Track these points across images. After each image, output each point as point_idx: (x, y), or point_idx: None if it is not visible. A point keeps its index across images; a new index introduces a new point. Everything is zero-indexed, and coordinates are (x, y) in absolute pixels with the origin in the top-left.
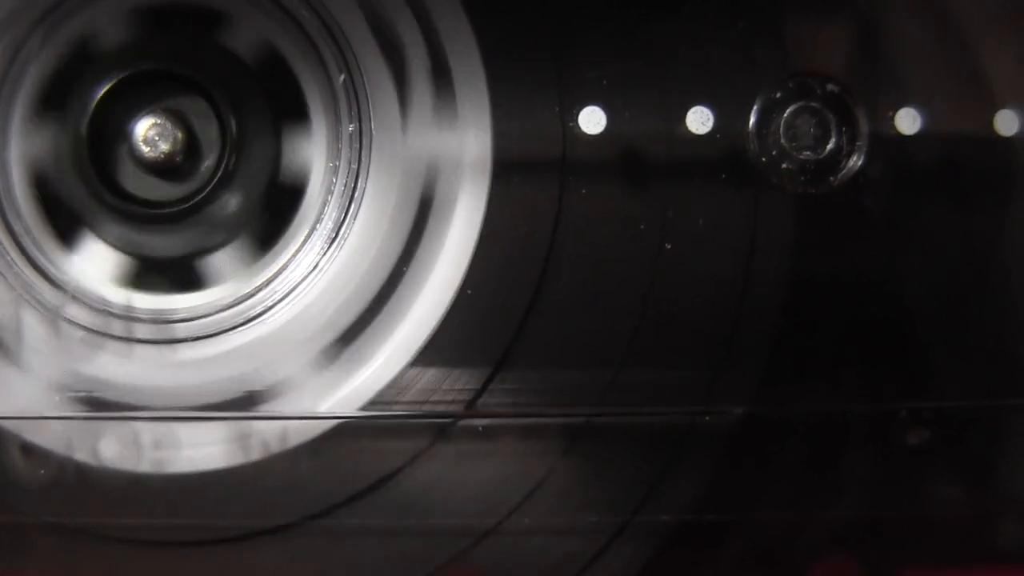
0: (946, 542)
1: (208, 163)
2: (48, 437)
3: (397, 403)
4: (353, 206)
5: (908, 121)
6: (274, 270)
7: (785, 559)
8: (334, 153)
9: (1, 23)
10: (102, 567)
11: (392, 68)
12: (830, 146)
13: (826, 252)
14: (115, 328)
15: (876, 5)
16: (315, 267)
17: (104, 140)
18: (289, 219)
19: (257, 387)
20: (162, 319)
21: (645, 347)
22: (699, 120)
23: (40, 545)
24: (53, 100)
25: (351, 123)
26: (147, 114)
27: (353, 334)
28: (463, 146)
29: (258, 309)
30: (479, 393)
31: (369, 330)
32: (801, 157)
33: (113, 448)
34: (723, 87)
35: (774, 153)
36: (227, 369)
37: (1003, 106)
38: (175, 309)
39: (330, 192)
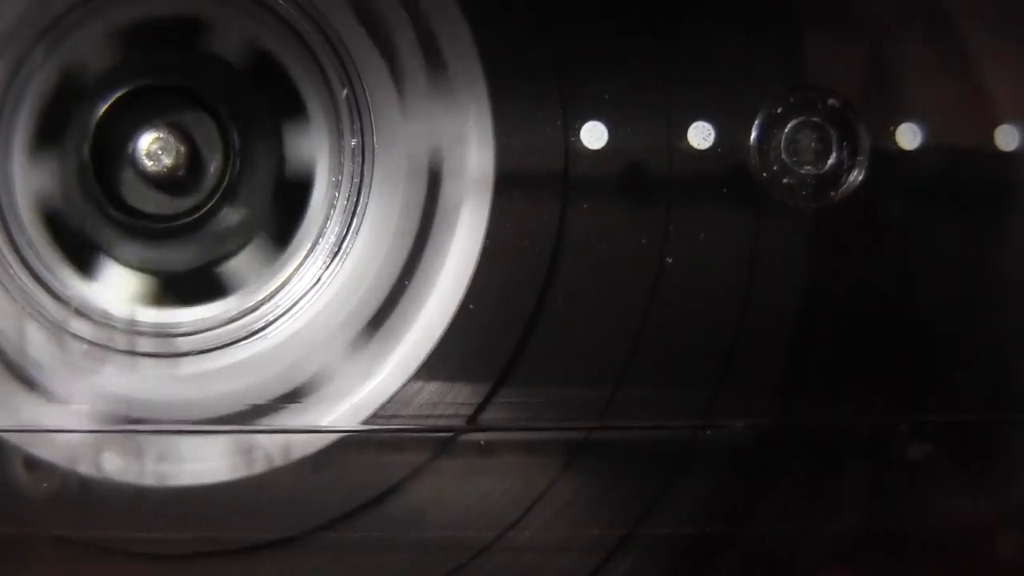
0: (948, 556)
1: (211, 176)
2: (51, 450)
3: (399, 417)
4: (355, 220)
5: (909, 136)
6: (276, 284)
7: (786, 573)
8: (336, 167)
9: (2, 38)
10: None
11: (395, 82)
12: (831, 161)
13: (827, 267)
14: (119, 342)
15: (877, 20)
16: (317, 281)
17: (107, 156)
18: (291, 233)
19: (260, 401)
20: (165, 332)
21: (646, 362)
22: (700, 135)
23: (44, 558)
24: (55, 118)
25: (354, 137)
26: (149, 129)
27: (355, 348)
28: (465, 161)
29: (261, 323)
30: (481, 407)
31: (371, 344)
32: (802, 172)
33: (116, 461)
34: (724, 102)
35: (775, 168)
36: (230, 383)
37: (1003, 121)
38: (178, 323)
39: (332, 206)
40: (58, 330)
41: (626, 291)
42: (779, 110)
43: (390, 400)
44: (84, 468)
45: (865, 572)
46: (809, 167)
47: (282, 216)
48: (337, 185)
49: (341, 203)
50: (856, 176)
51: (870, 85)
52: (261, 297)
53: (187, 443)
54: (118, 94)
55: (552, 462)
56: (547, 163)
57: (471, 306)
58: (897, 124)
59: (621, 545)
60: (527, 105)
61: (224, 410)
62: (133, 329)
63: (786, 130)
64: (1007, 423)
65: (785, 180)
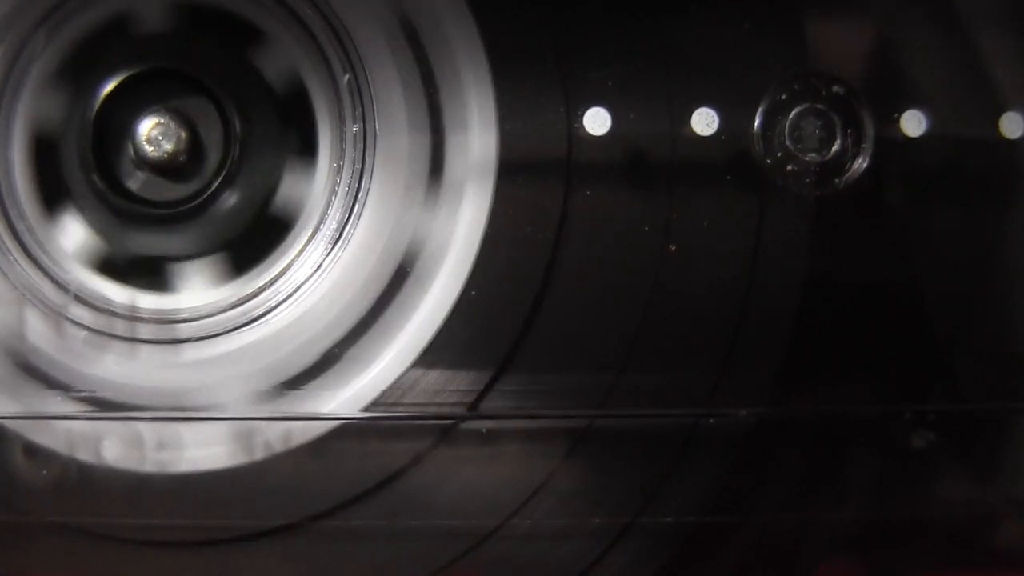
0: (952, 545)
1: (211, 164)
2: (51, 437)
3: (400, 404)
4: (357, 206)
5: (913, 123)
6: (278, 270)
7: (791, 562)
8: (338, 153)
9: (4, 22)
10: (105, 567)
11: (397, 68)
12: (835, 148)
13: (831, 254)
14: (119, 328)
15: (882, 7)
16: (319, 267)
17: (108, 138)
18: (292, 219)
19: (260, 387)
20: (165, 319)
21: (649, 349)
22: (704, 121)
23: (43, 545)
24: (59, 93)
25: (355, 123)
26: (152, 113)
27: (356, 335)
28: (468, 147)
29: (261, 309)
30: (482, 395)
31: (372, 331)
32: (806, 159)
33: (116, 448)
34: (728, 89)
35: (779, 155)
36: (230, 369)
37: (1008, 109)
38: (178, 309)
39: (334, 192)
40: (57, 317)
41: (628, 278)
42: (783, 97)
43: (391, 387)
44: (84, 455)
45: (868, 561)
46: (813, 154)
47: (284, 200)
48: (339, 171)
49: (343, 189)
50: (860, 163)
51: (875, 72)
52: (262, 284)
53: (187, 430)
54: (118, 79)
55: (554, 450)
56: (550, 149)
57: (473, 293)
58: (902, 111)
59: (623, 533)
60: (530, 91)
61: (224, 397)
62: (133, 316)
63: (790, 117)
64: (1010, 412)
65: (789, 167)
